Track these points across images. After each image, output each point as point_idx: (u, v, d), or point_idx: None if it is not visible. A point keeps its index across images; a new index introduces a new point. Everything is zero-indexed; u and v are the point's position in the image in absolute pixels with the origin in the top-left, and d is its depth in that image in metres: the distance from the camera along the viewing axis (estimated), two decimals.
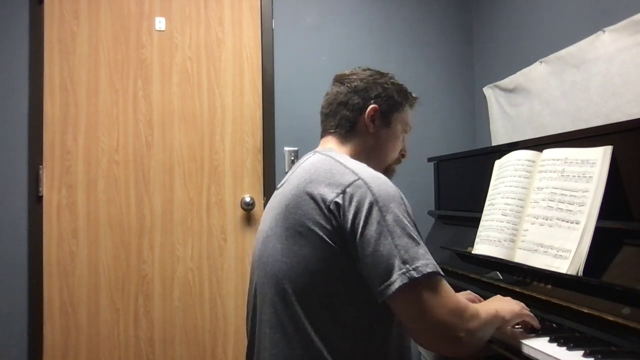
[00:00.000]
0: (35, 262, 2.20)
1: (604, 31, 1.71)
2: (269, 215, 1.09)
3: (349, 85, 1.16)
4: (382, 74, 1.20)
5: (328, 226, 0.94)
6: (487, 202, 1.57)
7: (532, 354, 1.01)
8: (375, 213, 0.92)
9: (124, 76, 2.34)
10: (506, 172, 1.51)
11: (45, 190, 2.24)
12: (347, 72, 1.20)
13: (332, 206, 0.94)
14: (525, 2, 2.26)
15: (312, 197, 0.97)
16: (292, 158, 2.46)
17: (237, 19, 2.44)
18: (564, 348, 0.99)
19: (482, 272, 1.51)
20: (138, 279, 2.31)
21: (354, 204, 0.93)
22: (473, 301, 1.37)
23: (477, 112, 2.69)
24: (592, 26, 1.79)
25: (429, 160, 2.21)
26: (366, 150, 1.15)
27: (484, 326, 0.96)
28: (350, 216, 0.93)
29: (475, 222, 1.60)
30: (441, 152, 2.29)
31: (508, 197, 1.46)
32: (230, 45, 2.43)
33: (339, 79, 1.20)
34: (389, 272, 0.89)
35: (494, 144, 2.42)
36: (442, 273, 0.92)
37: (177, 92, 2.38)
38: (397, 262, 0.89)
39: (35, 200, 2.22)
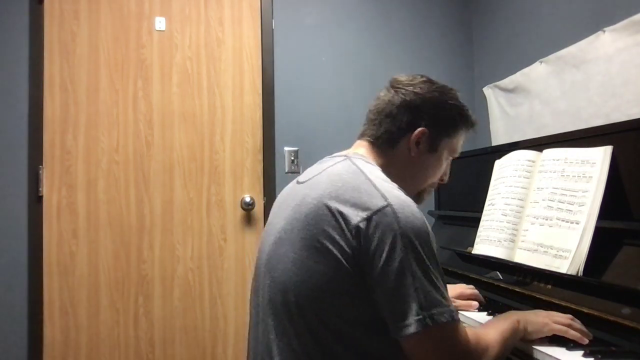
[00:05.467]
0: (35, 262, 2.20)
1: (604, 31, 1.71)
2: (283, 215, 1.02)
3: (403, 96, 1.05)
4: (444, 91, 1.08)
5: (347, 249, 0.90)
6: (487, 202, 1.57)
7: (531, 353, 1.01)
8: (398, 249, 0.87)
9: (124, 76, 2.33)
10: (506, 172, 1.51)
11: (45, 190, 2.24)
12: (403, 78, 1.09)
13: (354, 231, 0.89)
14: (525, 2, 2.26)
15: (334, 216, 0.91)
16: (292, 158, 2.46)
17: (237, 18, 2.44)
18: (564, 348, 0.99)
19: (482, 272, 1.51)
20: (138, 279, 2.30)
21: (378, 234, 0.88)
22: (469, 297, 1.37)
23: (477, 112, 2.68)
24: (592, 26, 1.79)
25: None
26: (402, 172, 1.05)
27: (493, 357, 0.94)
28: (372, 246, 0.88)
29: (475, 222, 1.60)
30: None
31: (508, 197, 1.46)
32: (230, 45, 2.43)
33: (395, 85, 1.08)
34: (405, 314, 0.87)
35: (494, 144, 2.42)
36: (456, 318, 0.89)
37: (177, 92, 2.38)
38: (414, 307, 0.86)
39: (35, 200, 2.22)
